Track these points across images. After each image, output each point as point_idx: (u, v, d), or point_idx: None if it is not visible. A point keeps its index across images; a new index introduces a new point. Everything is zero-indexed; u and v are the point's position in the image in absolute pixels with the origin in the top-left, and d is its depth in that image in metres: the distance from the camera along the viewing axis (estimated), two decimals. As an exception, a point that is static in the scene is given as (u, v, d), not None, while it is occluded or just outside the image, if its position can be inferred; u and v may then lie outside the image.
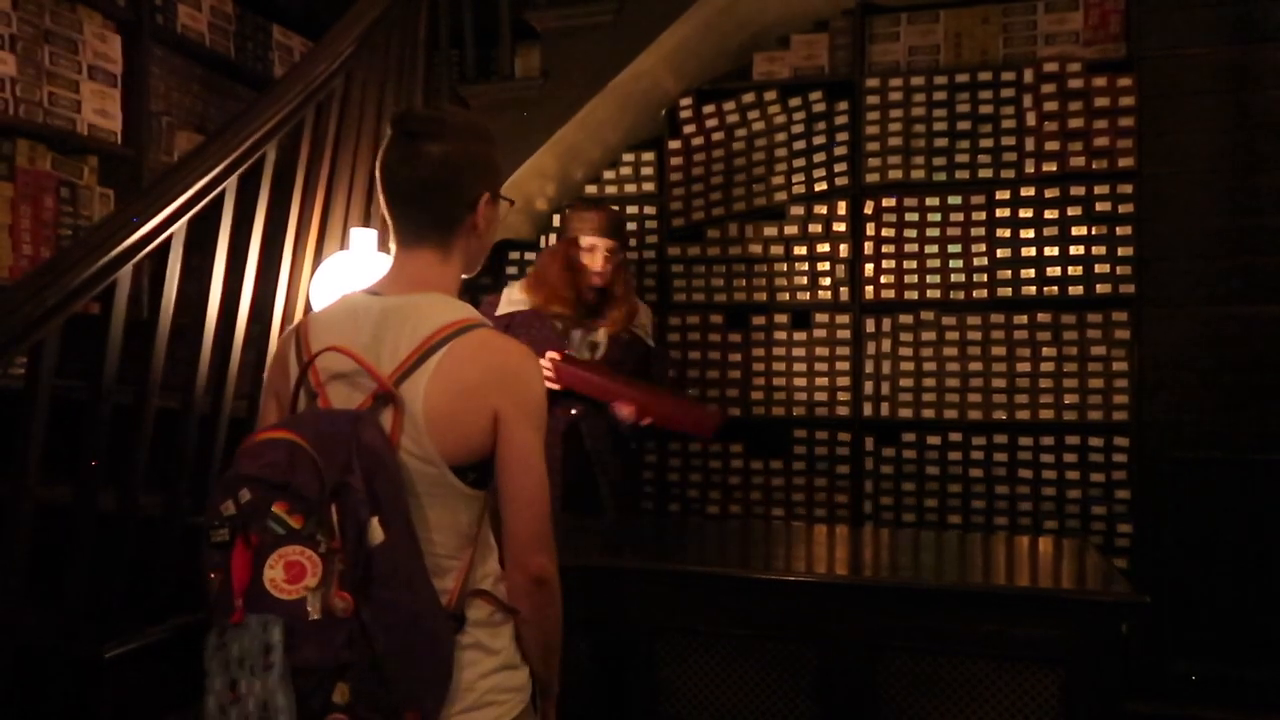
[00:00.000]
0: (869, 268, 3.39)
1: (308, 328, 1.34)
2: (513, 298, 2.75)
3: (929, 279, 3.34)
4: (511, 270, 3.69)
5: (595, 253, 2.69)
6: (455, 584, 1.26)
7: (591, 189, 3.68)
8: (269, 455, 1.15)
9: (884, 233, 3.38)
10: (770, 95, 3.50)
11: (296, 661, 1.11)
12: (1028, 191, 3.25)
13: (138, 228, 1.74)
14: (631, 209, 3.63)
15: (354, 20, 2.38)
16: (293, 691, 1.10)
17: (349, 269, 2.18)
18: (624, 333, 2.73)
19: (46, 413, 1.64)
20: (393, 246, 1.36)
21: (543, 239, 3.68)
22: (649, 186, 3.64)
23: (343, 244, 2.35)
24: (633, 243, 3.61)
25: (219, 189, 1.93)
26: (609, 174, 3.67)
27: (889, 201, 3.38)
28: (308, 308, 2.22)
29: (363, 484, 1.15)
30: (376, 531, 1.15)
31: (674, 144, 3.59)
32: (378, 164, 1.35)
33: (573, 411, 2.66)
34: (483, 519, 1.31)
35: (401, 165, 1.31)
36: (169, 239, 1.83)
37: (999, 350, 3.27)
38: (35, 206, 2.91)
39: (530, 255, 3.66)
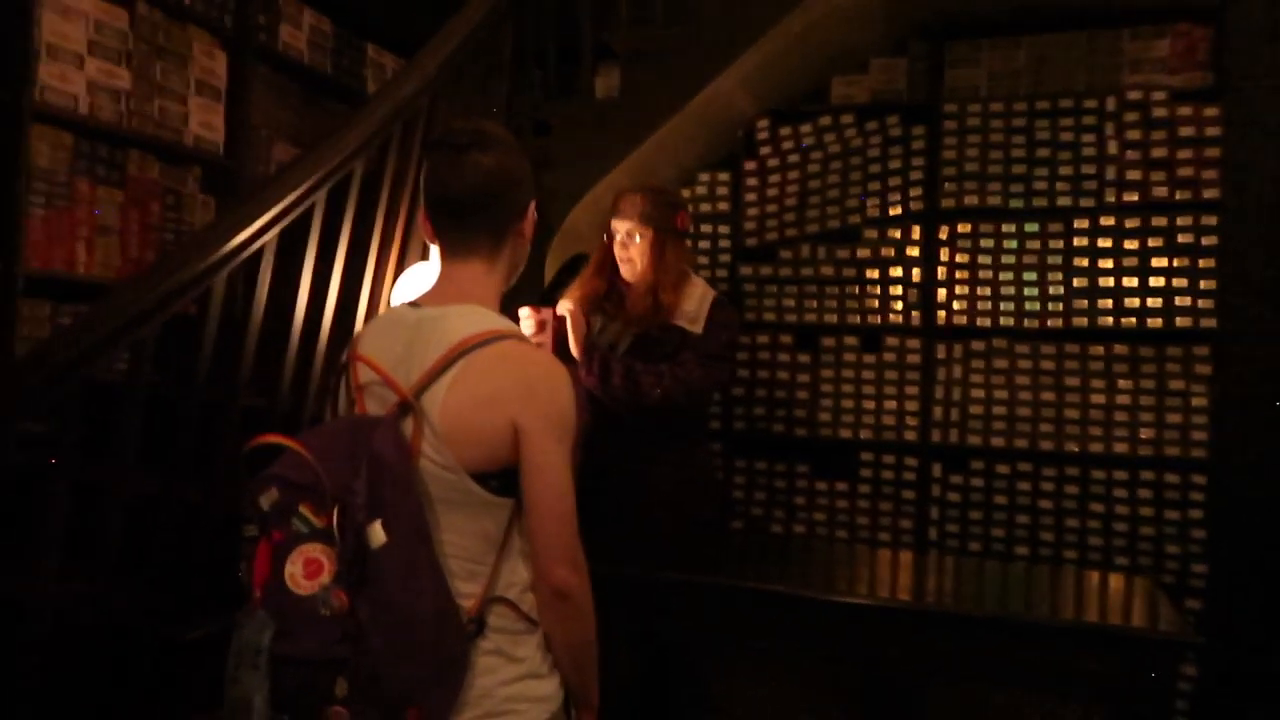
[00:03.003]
0: (942, 292, 3.37)
1: (359, 337, 1.42)
2: (569, 285, 2.70)
3: (1003, 306, 3.30)
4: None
5: (619, 238, 2.54)
6: (480, 589, 1.29)
7: (666, 207, 3.73)
8: (297, 457, 1.22)
9: (958, 258, 3.36)
10: (847, 118, 3.51)
11: (299, 652, 1.17)
12: (1107, 221, 3.19)
13: (234, 236, 1.86)
14: (705, 228, 3.68)
15: (441, 43, 2.49)
16: (269, 695, 1.17)
17: (427, 279, 2.28)
18: (653, 329, 2.51)
19: (143, 407, 1.76)
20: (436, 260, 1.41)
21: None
22: (723, 206, 3.68)
23: (424, 255, 2.45)
24: (704, 261, 3.65)
25: (308, 202, 2.04)
26: (685, 193, 3.72)
27: (964, 227, 3.35)
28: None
29: (365, 488, 1.20)
30: (378, 534, 1.19)
31: (749, 164, 3.62)
32: (423, 181, 1.38)
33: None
34: (512, 527, 1.32)
35: (454, 177, 1.34)
36: (261, 248, 1.95)
37: (1073, 381, 3.21)
38: (143, 212, 3.09)
39: (604, 270, 3.73)
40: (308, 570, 1.20)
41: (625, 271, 2.56)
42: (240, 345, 1.97)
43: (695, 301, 2.55)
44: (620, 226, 2.55)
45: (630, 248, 2.53)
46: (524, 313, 2.32)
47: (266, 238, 1.95)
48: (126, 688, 1.79)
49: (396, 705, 1.20)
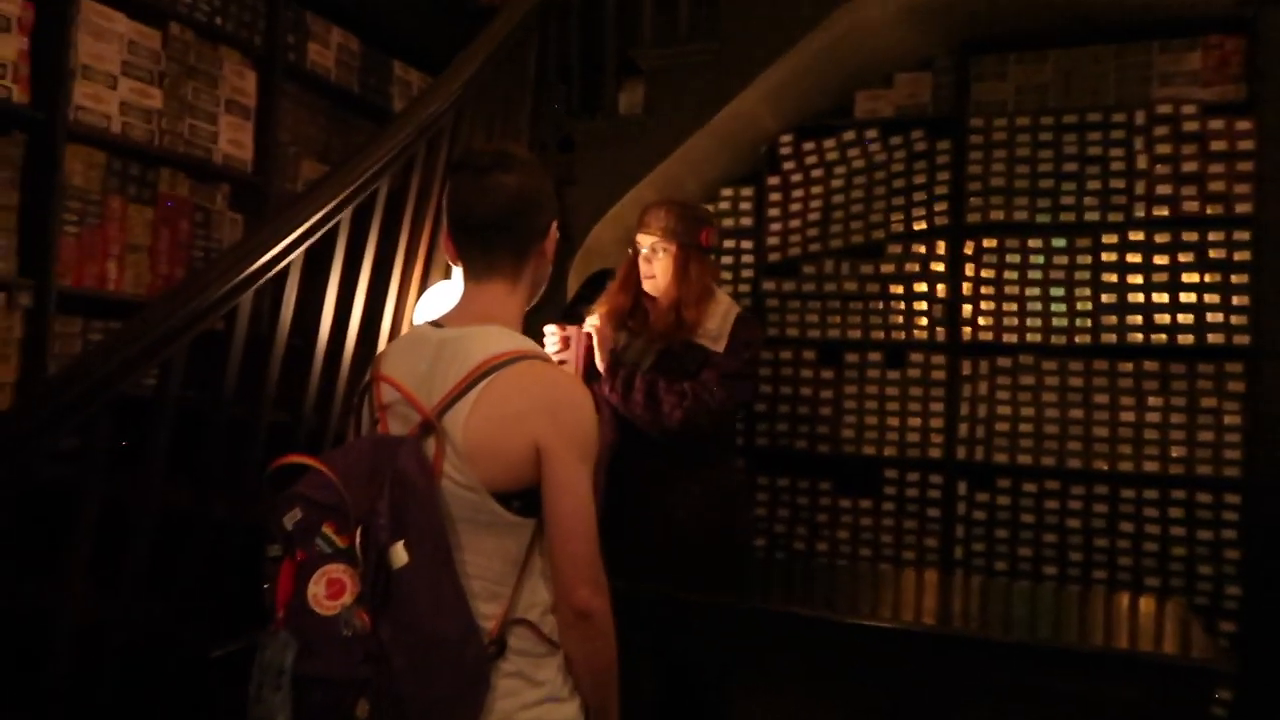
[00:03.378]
0: (967, 308, 3.35)
1: (382, 356, 1.43)
2: (596, 301, 2.69)
3: (1029, 322, 3.27)
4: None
5: (643, 253, 2.51)
6: (501, 610, 1.29)
7: (690, 222, 3.74)
8: (321, 478, 1.23)
9: (984, 273, 3.33)
10: (871, 133, 3.50)
11: (321, 672, 1.18)
12: (1137, 235, 3.16)
13: (261, 256, 1.88)
14: (729, 243, 3.67)
15: (466, 61, 2.51)
16: (291, 715, 1.17)
17: (449, 298, 2.29)
18: (675, 346, 2.47)
19: (172, 422, 1.78)
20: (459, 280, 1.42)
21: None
22: (746, 221, 3.68)
23: (446, 274, 2.46)
24: (728, 276, 3.65)
25: (334, 221, 2.06)
26: (708, 208, 3.72)
27: (990, 242, 3.33)
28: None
29: (388, 509, 1.20)
30: (400, 555, 1.19)
31: (773, 180, 3.62)
32: (446, 203, 1.39)
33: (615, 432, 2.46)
34: (533, 548, 1.32)
35: (477, 199, 1.35)
36: (287, 266, 1.97)
37: (1102, 398, 3.17)
38: (173, 230, 3.14)
39: (628, 286, 3.74)
40: (330, 590, 1.20)
41: (648, 287, 2.53)
42: (266, 362, 1.99)
43: (718, 319, 2.50)
44: (644, 241, 2.51)
45: (654, 262, 2.50)
46: (549, 329, 2.30)
47: (293, 256, 1.97)
48: (152, 705, 1.81)
49: None
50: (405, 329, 2.35)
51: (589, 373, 2.42)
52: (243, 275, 1.85)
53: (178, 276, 3.12)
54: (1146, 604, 2.14)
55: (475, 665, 1.25)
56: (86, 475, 1.67)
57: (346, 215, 2.10)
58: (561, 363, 2.23)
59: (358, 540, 1.20)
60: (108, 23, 2.86)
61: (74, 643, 1.66)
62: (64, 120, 2.70)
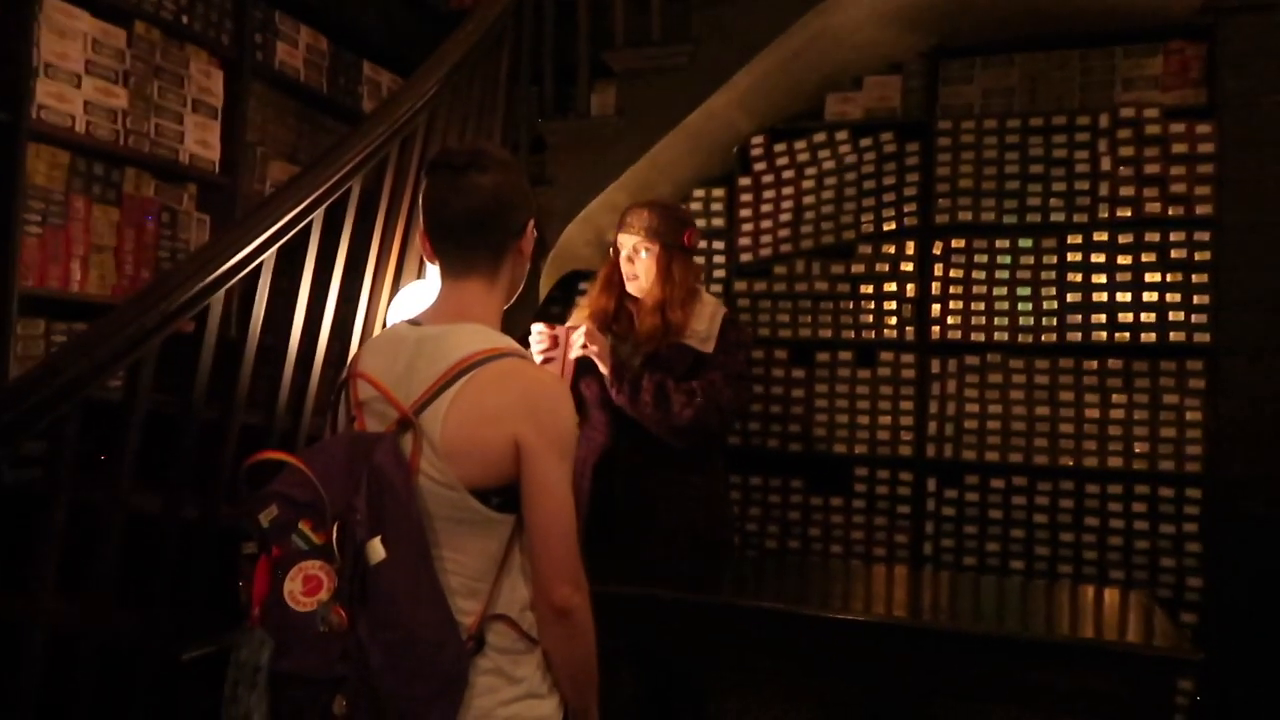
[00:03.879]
0: (936, 308, 3.39)
1: (359, 355, 1.42)
2: (580, 303, 2.69)
3: (997, 321, 3.32)
4: (582, 299, 3.77)
5: (625, 253, 2.49)
6: (480, 607, 1.29)
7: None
8: (298, 475, 1.22)
9: (952, 273, 3.37)
10: (842, 135, 3.53)
11: (298, 669, 1.17)
12: (1100, 236, 3.22)
13: (232, 255, 1.87)
14: (701, 244, 3.69)
15: (438, 62, 2.50)
16: (268, 713, 1.17)
17: (423, 297, 2.29)
18: (662, 348, 2.46)
19: (142, 425, 1.76)
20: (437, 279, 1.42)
21: (612, 271, 3.75)
22: (718, 222, 3.70)
23: (419, 273, 2.46)
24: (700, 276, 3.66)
25: (306, 220, 2.05)
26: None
27: (958, 242, 3.37)
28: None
29: (365, 505, 1.20)
30: (378, 550, 1.19)
31: (744, 181, 3.64)
32: (422, 203, 1.39)
33: (604, 434, 2.46)
34: (513, 544, 1.32)
35: (454, 197, 1.35)
36: (259, 266, 1.95)
37: (1067, 395, 3.22)
38: (138, 230, 3.10)
39: (600, 286, 3.74)
40: (307, 587, 1.20)
41: (632, 288, 2.51)
42: (238, 363, 1.97)
43: (705, 320, 2.49)
44: (626, 241, 2.49)
45: (636, 263, 2.48)
46: (537, 328, 2.26)
47: (265, 255, 1.95)
48: (126, 708, 1.78)
49: None
50: (378, 329, 2.34)
51: (576, 374, 2.40)
52: (214, 275, 1.83)
53: (144, 278, 3.08)
54: (1112, 596, 2.18)
55: (453, 662, 1.25)
56: (55, 479, 1.65)
57: (319, 215, 2.08)
58: (548, 362, 2.21)
59: (334, 536, 1.20)
60: (71, 20, 2.82)
61: (45, 649, 1.63)
62: (26, 119, 2.66)
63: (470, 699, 1.27)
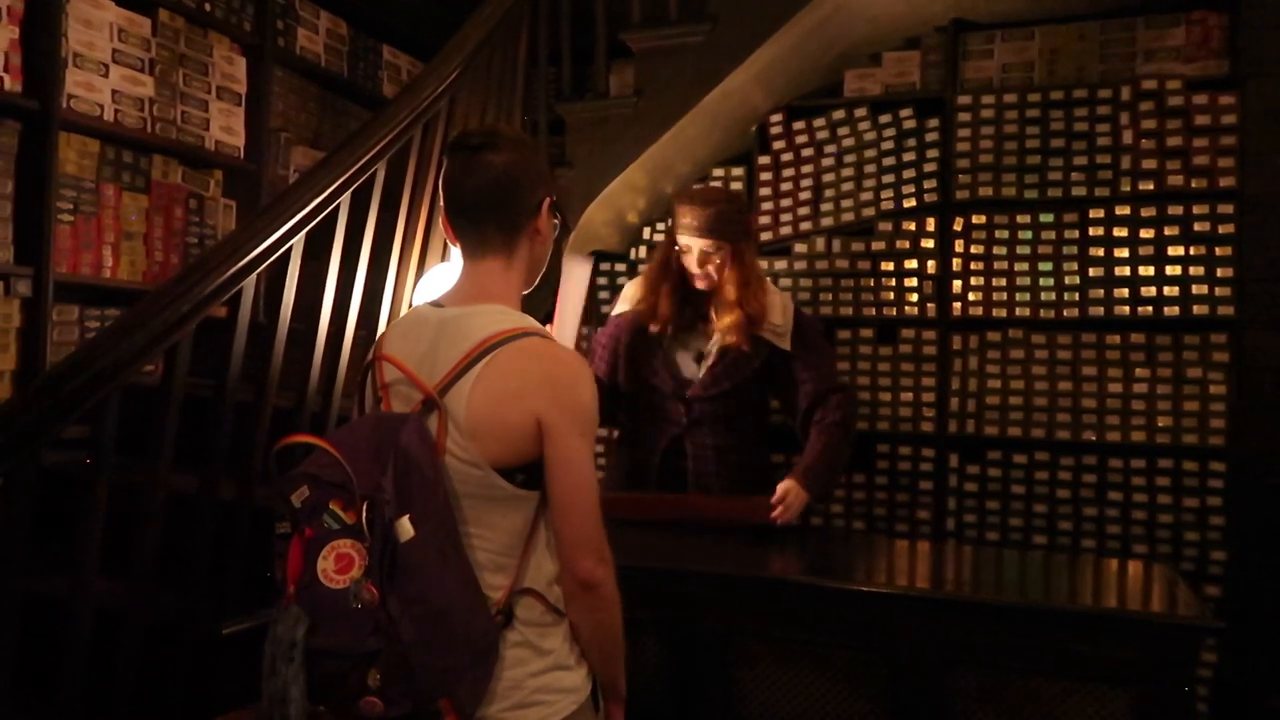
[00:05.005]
0: (957, 284, 3.39)
1: (384, 337, 1.45)
2: (628, 294, 2.69)
3: (1019, 296, 3.31)
4: (601, 281, 3.79)
5: (692, 255, 2.50)
6: (508, 581, 1.32)
7: (681, 203, 3.76)
8: (326, 456, 1.26)
9: (973, 249, 3.36)
10: (861, 112, 3.52)
11: (332, 645, 1.21)
12: (1123, 210, 3.20)
13: (263, 239, 1.90)
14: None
15: (459, 45, 2.52)
16: (305, 686, 1.21)
17: (448, 279, 2.31)
18: (741, 343, 2.49)
19: (179, 407, 1.81)
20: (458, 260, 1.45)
21: (632, 251, 3.77)
22: (738, 201, 3.69)
23: (444, 256, 2.49)
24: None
25: (334, 204, 2.08)
26: (698, 188, 3.75)
27: (979, 218, 3.36)
28: (410, 315, 2.36)
29: (393, 484, 1.23)
30: (406, 528, 1.22)
31: (763, 159, 3.64)
32: (441, 183, 1.43)
33: (678, 425, 2.54)
34: (538, 520, 1.35)
35: (467, 177, 1.39)
36: (289, 250, 1.99)
37: (1090, 370, 3.22)
38: (167, 216, 3.14)
39: (620, 267, 3.76)
40: (339, 565, 1.23)
41: (702, 285, 2.52)
42: (269, 346, 2.01)
43: (779, 313, 2.53)
44: (693, 244, 2.49)
45: (708, 264, 2.50)
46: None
47: (295, 240, 1.99)
48: (167, 682, 1.84)
49: (428, 695, 1.23)
50: (404, 309, 2.38)
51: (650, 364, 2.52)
52: (246, 260, 1.87)
53: (173, 264, 3.13)
54: (1135, 568, 2.20)
55: (483, 635, 1.28)
56: (98, 462, 1.69)
57: (345, 199, 2.11)
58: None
59: (364, 516, 1.23)
60: (97, 10, 2.86)
61: (87, 626, 1.69)
62: (57, 109, 2.70)
63: (500, 670, 1.30)
